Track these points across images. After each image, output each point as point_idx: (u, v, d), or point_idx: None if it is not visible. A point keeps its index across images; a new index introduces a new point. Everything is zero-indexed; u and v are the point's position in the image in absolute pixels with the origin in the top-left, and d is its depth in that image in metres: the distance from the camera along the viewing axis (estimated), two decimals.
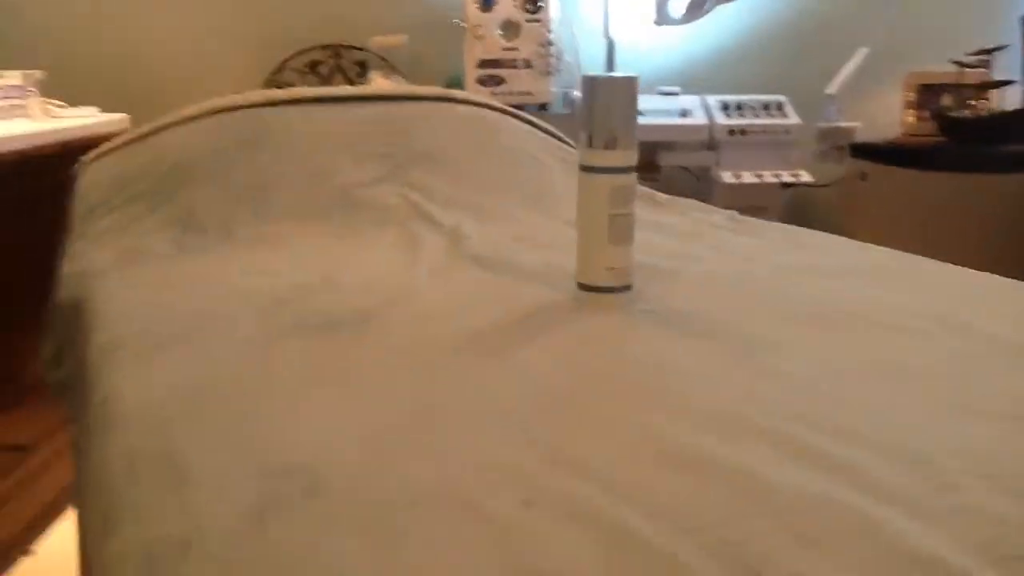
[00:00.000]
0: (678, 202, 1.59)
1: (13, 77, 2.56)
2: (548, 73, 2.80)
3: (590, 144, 0.99)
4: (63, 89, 2.81)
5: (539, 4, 2.78)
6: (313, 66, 2.99)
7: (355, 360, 0.83)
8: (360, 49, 2.97)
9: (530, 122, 1.81)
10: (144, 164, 1.45)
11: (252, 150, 1.47)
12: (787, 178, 2.74)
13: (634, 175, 1.01)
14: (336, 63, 3.00)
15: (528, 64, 2.79)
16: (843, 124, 2.82)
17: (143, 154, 1.47)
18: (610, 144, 0.99)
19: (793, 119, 2.79)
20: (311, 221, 1.35)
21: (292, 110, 1.58)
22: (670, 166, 2.94)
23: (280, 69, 2.97)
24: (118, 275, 1.13)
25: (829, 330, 0.93)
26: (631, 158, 1.00)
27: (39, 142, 2.26)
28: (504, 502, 0.58)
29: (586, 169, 1.00)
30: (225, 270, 1.12)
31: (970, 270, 1.17)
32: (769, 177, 2.74)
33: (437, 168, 1.54)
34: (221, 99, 1.57)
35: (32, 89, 2.58)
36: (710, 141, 2.82)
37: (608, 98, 0.99)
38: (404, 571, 0.51)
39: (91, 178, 1.45)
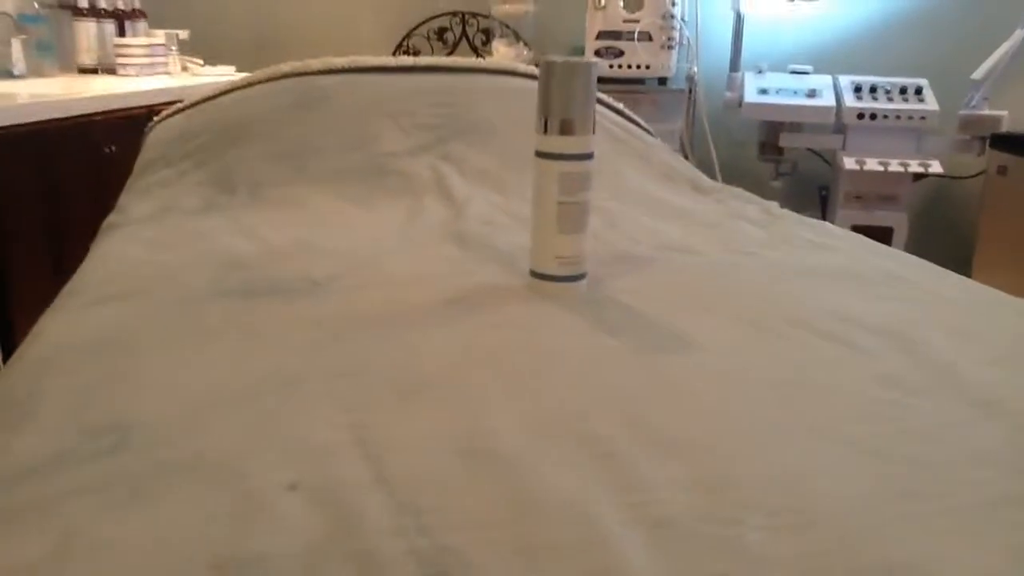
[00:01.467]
0: (721, 190, 1.53)
1: (159, 36, 2.76)
2: (668, 47, 2.73)
3: (545, 129, 0.97)
4: (207, 48, 3.01)
5: None
6: (440, 33, 3.05)
7: (260, 325, 0.86)
8: (487, 16, 2.99)
9: (604, 103, 1.78)
10: (202, 124, 1.54)
11: (303, 114, 1.53)
12: (915, 168, 2.55)
13: (588, 163, 0.99)
14: (462, 30, 3.04)
15: (648, 37, 2.72)
16: (988, 112, 2.59)
17: (205, 114, 1.56)
18: (565, 130, 0.97)
19: (931, 104, 2.59)
20: (336, 187, 1.40)
21: (352, 78, 1.63)
22: (796, 148, 2.82)
23: (409, 35, 3.05)
24: (130, 229, 1.22)
25: (767, 338, 0.88)
26: (585, 144, 0.98)
27: (167, 98, 2.44)
28: (270, 481, 0.60)
29: (539, 155, 0.98)
30: (221, 230, 1.19)
31: (995, 291, 1.07)
32: (895, 166, 2.56)
33: (480, 141, 1.54)
34: (285, 65, 1.64)
35: (173, 48, 2.77)
36: (837, 124, 2.67)
37: (564, 82, 0.96)
38: (124, 533, 0.54)
39: (155, 135, 1.56)
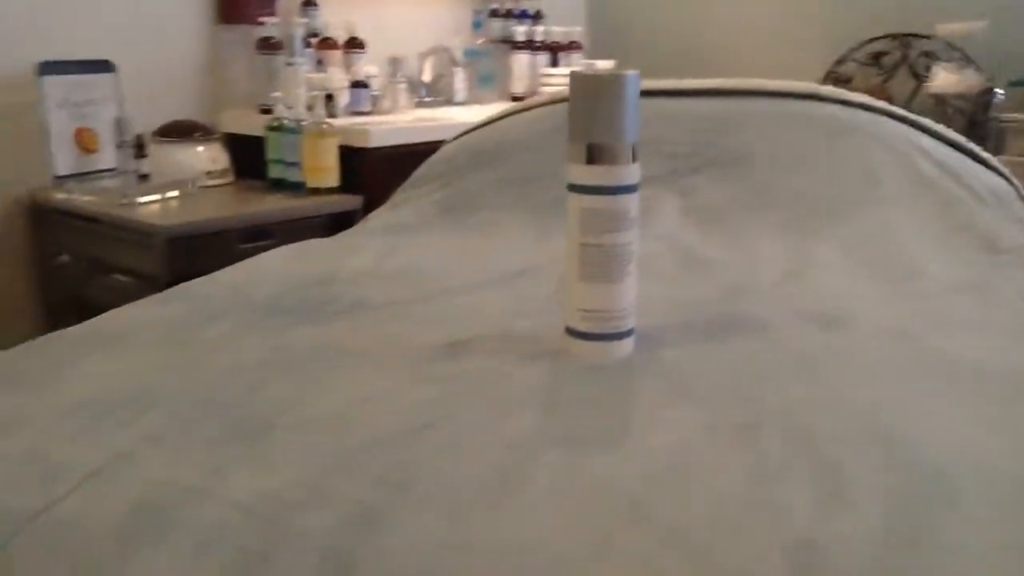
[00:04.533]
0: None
1: (579, 67, 2.87)
2: None
3: (573, 157, 0.82)
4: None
5: None
6: (876, 57, 2.71)
7: (234, 344, 0.87)
8: (929, 38, 2.59)
9: (938, 135, 1.43)
10: (471, 146, 1.58)
11: (552, 140, 1.48)
12: None
13: (624, 198, 0.81)
14: (903, 54, 2.67)
15: None
16: None
17: (476, 137, 1.60)
18: (592, 158, 0.81)
19: None
20: (543, 216, 1.33)
21: None
22: None
23: (841, 61, 2.77)
24: (336, 238, 1.31)
25: (719, 447, 0.64)
26: (615, 175, 0.80)
27: None
28: None
29: (569, 187, 0.83)
30: (365, 248, 1.21)
31: None
32: None
33: (726, 174, 1.35)
34: (560, 91, 1.60)
35: None
36: None
37: (590, 100, 0.80)
38: None
39: (434, 155, 1.63)
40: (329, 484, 0.60)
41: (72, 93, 2.16)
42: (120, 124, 2.17)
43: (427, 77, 2.82)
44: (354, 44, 2.59)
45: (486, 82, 2.97)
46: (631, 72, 0.80)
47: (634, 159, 0.82)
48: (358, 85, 2.48)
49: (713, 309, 0.96)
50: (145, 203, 2.07)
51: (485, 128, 1.61)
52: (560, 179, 1.39)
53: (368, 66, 2.54)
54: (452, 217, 1.37)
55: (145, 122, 2.32)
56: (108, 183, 2.16)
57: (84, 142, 2.19)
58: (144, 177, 2.20)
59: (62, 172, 2.15)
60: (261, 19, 2.41)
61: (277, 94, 2.28)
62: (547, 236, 1.26)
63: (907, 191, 1.30)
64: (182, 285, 1.06)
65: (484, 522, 0.56)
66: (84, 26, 2.24)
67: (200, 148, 2.34)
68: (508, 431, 0.68)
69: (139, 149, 2.19)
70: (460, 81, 2.89)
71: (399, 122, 2.42)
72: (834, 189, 1.30)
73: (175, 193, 2.19)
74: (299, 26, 2.41)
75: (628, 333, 0.83)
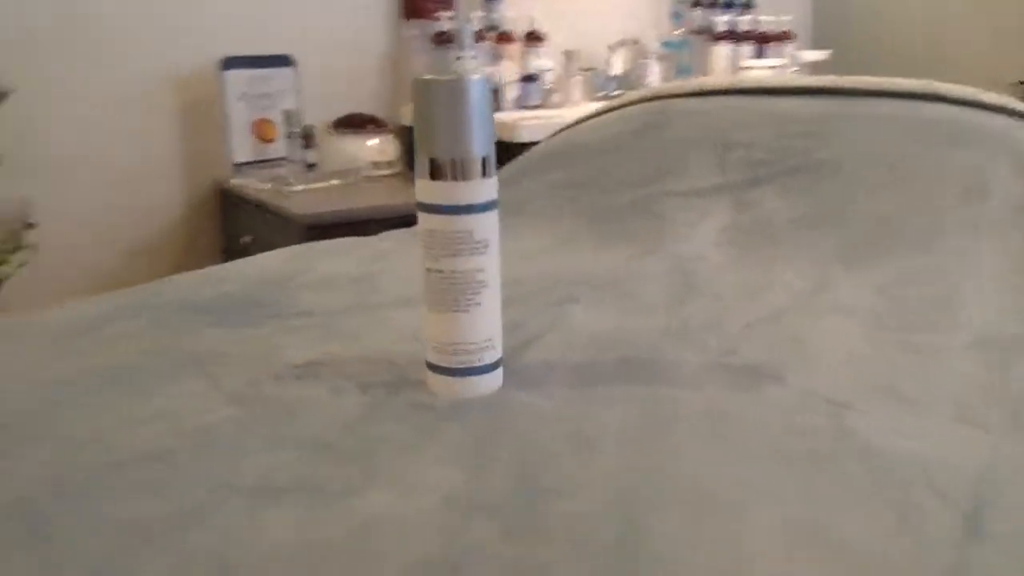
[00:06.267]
0: None
1: (783, 59, 2.65)
2: None
3: (419, 172, 0.72)
4: (854, 71, 2.75)
5: None
6: None
7: (126, 341, 0.86)
8: None
9: None
10: (549, 146, 1.48)
11: (628, 143, 1.36)
12: None
13: (467, 218, 0.70)
14: None
15: None
16: None
17: (560, 137, 1.50)
18: (434, 172, 0.71)
19: None
20: (576, 224, 1.22)
21: (720, 100, 1.38)
22: None
23: None
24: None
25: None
26: (458, 193, 0.70)
27: None
28: None
29: (417, 206, 0.74)
30: (361, 250, 1.17)
31: None
32: None
33: (802, 185, 1.15)
34: (659, 86, 1.47)
35: (795, 68, 2.63)
36: None
37: (430, 108, 0.70)
38: None
39: (521, 155, 1.55)
40: None
41: (252, 86, 2.31)
42: (289, 116, 2.29)
43: (616, 70, 2.71)
44: (533, 37, 2.54)
45: (684, 73, 2.81)
46: (475, 76, 0.69)
47: (485, 174, 0.71)
48: (529, 79, 2.44)
49: (637, 349, 0.81)
50: (300, 191, 2.17)
51: (573, 127, 1.51)
52: (617, 184, 1.29)
53: (542, 59, 2.49)
54: (500, 221, 1.30)
55: (328, 114, 2.43)
56: (278, 171, 2.29)
57: (262, 132, 2.34)
58: (311, 166, 2.30)
59: (239, 160, 2.31)
60: (437, 14, 2.44)
61: None
62: (563, 246, 1.16)
63: (1011, 216, 1.04)
64: (156, 281, 1.08)
65: None
66: (271, 23, 2.38)
67: (370, 140, 2.42)
68: (238, 472, 0.61)
69: (307, 139, 2.29)
70: (653, 74, 2.75)
71: (561, 117, 2.34)
72: (920, 209, 1.07)
73: (337, 182, 2.27)
74: (469, 20, 2.41)
75: (481, 370, 0.73)
